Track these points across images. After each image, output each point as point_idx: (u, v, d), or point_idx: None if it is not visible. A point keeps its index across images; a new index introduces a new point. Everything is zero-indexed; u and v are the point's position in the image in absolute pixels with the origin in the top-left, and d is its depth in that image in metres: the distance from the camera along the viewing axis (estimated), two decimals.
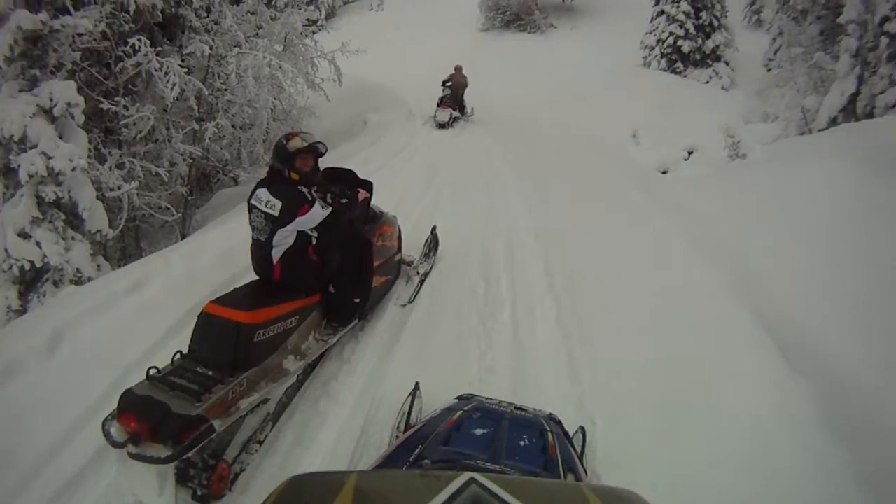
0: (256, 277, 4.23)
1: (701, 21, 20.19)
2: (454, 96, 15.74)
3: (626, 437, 3.57)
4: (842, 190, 5.73)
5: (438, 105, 15.40)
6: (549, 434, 2.69)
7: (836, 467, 3.30)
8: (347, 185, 4.84)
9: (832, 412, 3.70)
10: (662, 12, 20.60)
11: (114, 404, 3.05)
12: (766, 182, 7.01)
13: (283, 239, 3.98)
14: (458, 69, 16.40)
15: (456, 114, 15.49)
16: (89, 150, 7.53)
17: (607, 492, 1.46)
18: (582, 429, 3.49)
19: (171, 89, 8.51)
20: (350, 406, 4.00)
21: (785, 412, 3.72)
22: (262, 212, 3.97)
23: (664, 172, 12.57)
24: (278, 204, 3.90)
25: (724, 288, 5.30)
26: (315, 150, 4.14)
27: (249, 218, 4.09)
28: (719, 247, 6.16)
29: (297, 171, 4.04)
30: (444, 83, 16.03)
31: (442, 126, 14.92)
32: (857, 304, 4.55)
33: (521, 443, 2.57)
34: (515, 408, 3.11)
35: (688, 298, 5.17)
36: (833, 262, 5.11)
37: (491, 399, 3.25)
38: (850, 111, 12.04)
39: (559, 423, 3.06)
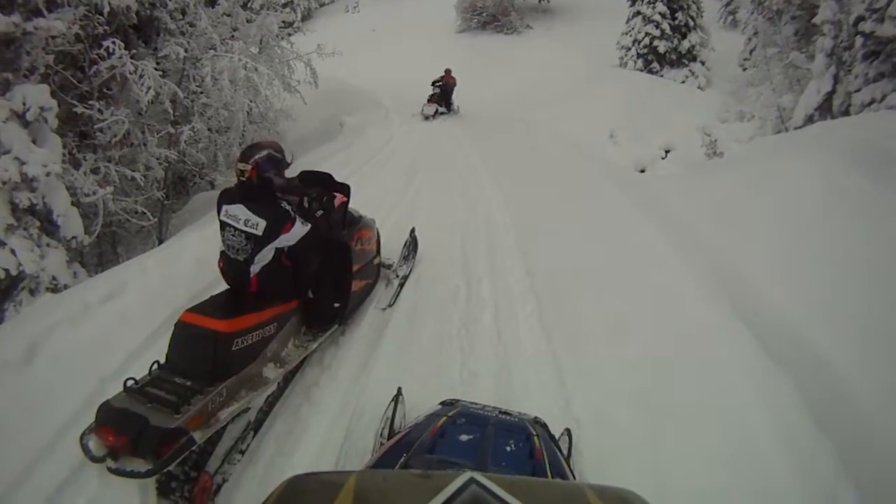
0: None
1: (677, 21, 20.44)
2: (443, 94, 17.64)
3: (613, 438, 3.58)
4: (823, 184, 5.78)
5: (428, 101, 17.22)
6: (536, 438, 2.65)
7: (820, 456, 3.38)
8: (324, 189, 4.75)
9: (814, 402, 3.79)
10: (638, 13, 20.86)
11: (91, 417, 3.00)
12: (745, 178, 7.08)
13: (263, 257, 3.84)
14: (448, 72, 18.08)
15: (442, 109, 17.31)
16: (63, 154, 7.41)
17: (607, 492, 1.45)
18: (568, 431, 3.47)
19: (146, 92, 8.44)
20: (332, 413, 3.95)
21: (767, 404, 3.80)
22: (242, 231, 3.78)
23: (642, 171, 12.67)
24: (262, 223, 3.74)
25: (704, 285, 5.37)
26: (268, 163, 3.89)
27: (222, 235, 3.91)
28: (700, 243, 6.23)
29: (274, 187, 3.94)
30: (434, 83, 17.83)
31: (427, 118, 16.54)
32: (841, 295, 4.59)
33: (508, 448, 2.53)
34: (500, 412, 3.09)
35: (669, 296, 5.22)
36: (816, 254, 5.16)
37: (475, 404, 3.22)
38: (825, 109, 12.22)
39: (545, 426, 3.04)
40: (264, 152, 3.84)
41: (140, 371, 3.40)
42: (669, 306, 5.06)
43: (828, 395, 3.85)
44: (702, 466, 3.31)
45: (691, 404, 3.84)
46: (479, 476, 1.32)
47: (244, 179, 3.80)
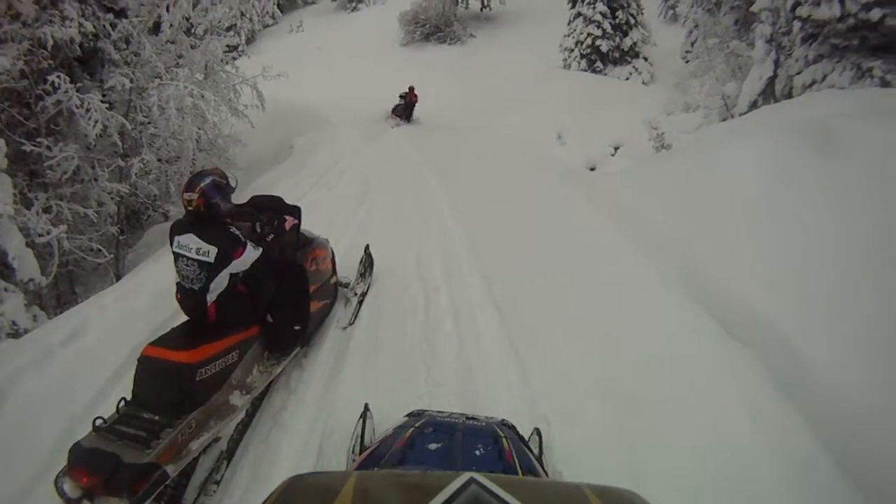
0: None
1: (617, 20, 20.70)
2: (406, 106, 19.56)
3: (583, 432, 3.63)
4: (771, 164, 5.83)
5: (392, 112, 19.42)
6: (504, 440, 2.68)
7: (792, 427, 3.49)
8: (275, 212, 4.73)
9: (780, 376, 3.89)
10: (579, 14, 21.08)
11: (64, 460, 3.00)
12: (694, 167, 7.08)
13: (218, 284, 3.83)
14: (412, 89, 19.70)
15: (402, 121, 19.21)
16: (14, 195, 7.27)
17: (607, 492, 1.46)
18: (537, 430, 3.50)
19: (94, 126, 8.31)
20: (303, 435, 3.96)
21: (733, 382, 3.90)
22: (194, 259, 3.78)
23: (592, 169, 12.74)
24: (213, 250, 3.75)
25: (661, 273, 5.47)
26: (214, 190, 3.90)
27: (176, 266, 3.91)
28: (654, 234, 6.27)
29: (222, 213, 3.95)
30: (400, 96, 19.66)
31: (392, 126, 18.58)
32: (796, 269, 4.64)
33: (477, 452, 2.55)
34: (467, 418, 3.10)
35: (627, 288, 5.31)
36: (770, 232, 5.18)
37: (441, 412, 3.23)
38: (769, 94, 12.38)
39: (512, 427, 3.06)
40: (209, 179, 3.87)
41: (109, 409, 3.40)
42: (628, 297, 5.16)
43: (793, 369, 3.90)
44: (676, 449, 3.39)
45: (657, 390, 3.92)
46: (478, 476, 1.34)
47: (191, 209, 3.82)
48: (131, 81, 9.31)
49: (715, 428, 3.58)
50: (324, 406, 4.21)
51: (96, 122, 8.36)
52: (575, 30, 21.19)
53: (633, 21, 20.98)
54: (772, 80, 12.40)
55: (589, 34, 20.61)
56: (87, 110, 8.36)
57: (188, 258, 3.80)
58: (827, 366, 3.78)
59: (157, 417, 3.27)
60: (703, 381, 3.98)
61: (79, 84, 8.76)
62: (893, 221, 4.45)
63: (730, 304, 4.74)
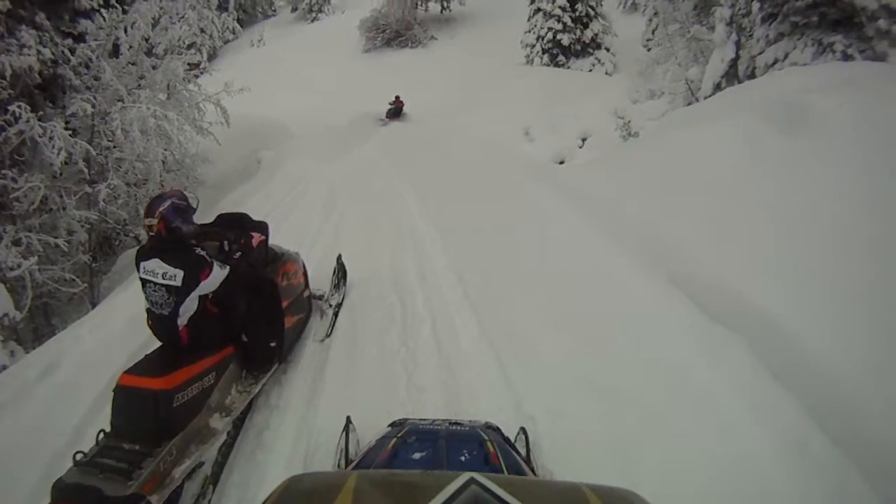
0: None
1: (577, 13, 20.88)
2: (396, 111, 21.65)
3: (570, 428, 3.62)
4: (739, 142, 5.88)
5: (385, 116, 21.46)
6: (489, 443, 2.65)
7: (783, 408, 3.48)
8: (241, 230, 4.67)
9: (766, 357, 3.88)
10: (539, 10, 21.25)
11: (48, 497, 2.94)
12: (663, 152, 7.19)
13: (188, 307, 3.79)
14: (398, 97, 22.04)
15: (390, 121, 21.22)
16: None
17: (607, 491, 1.47)
18: (523, 429, 3.49)
19: (58, 154, 8.28)
20: (287, 453, 3.92)
21: (718, 366, 3.88)
22: (161, 285, 3.74)
23: (561, 163, 12.79)
24: (179, 273, 3.71)
25: (638, 261, 5.44)
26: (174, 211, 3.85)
27: (144, 292, 3.85)
28: (628, 222, 6.28)
29: (185, 235, 3.89)
30: (390, 104, 21.84)
31: (385, 124, 20.71)
32: (772, 246, 4.68)
33: (462, 458, 2.52)
34: (450, 424, 3.07)
35: (604, 279, 5.29)
36: (743, 211, 5.22)
37: (424, 420, 3.21)
38: (732, 75, 12.53)
39: (497, 429, 3.05)
40: (167, 203, 3.81)
41: (90, 441, 3.35)
42: (607, 289, 5.14)
43: (779, 349, 3.93)
44: (666, 438, 3.38)
45: (642, 381, 3.91)
46: (478, 476, 1.34)
47: (153, 234, 3.79)
48: (93, 106, 9.26)
49: (702, 413, 3.58)
50: (306, 421, 4.16)
51: (60, 149, 8.32)
52: (535, 25, 21.34)
53: (592, 13, 21.17)
54: (734, 62, 12.56)
55: (549, 28, 20.77)
56: (51, 138, 8.32)
57: (155, 283, 3.76)
58: (812, 343, 3.81)
59: (137, 447, 3.23)
60: (687, 367, 3.97)
61: (40, 112, 8.72)
62: (866, 195, 4.50)
63: (709, 287, 4.76)
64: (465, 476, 1.34)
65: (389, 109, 22.26)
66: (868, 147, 4.85)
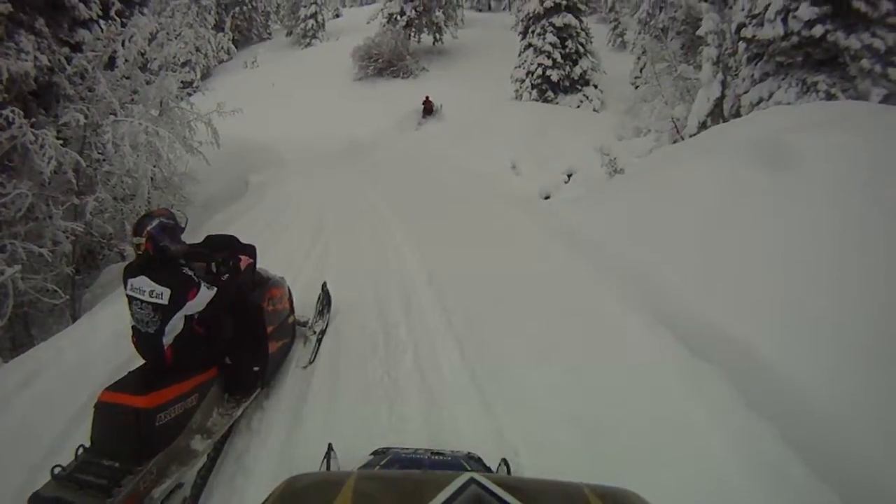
0: None
1: (567, 49, 21.08)
2: (428, 111, 24.44)
3: (552, 459, 3.63)
4: (723, 181, 5.98)
5: (422, 117, 24.22)
6: None
7: (761, 437, 3.60)
8: (230, 252, 4.67)
9: (746, 389, 4.02)
10: (530, 45, 21.45)
11: None
12: (648, 189, 7.29)
13: (174, 326, 3.79)
14: (427, 98, 24.81)
15: (425, 119, 24.14)
16: None
17: (607, 492, 1.48)
18: (504, 461, 3.43)
19: (48, 163, 8.24)
20: (268, 478, 3.82)
21: (698, 399, 4.01)
22: (148, 302, 3.73)
23: (547, 198, 12.84)
24: (166, 292, 3.71)
25: (622, 298, 5.59)
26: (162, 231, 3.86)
27: (130, 309, 3.84)
28: (613, 259, 6.38)
29: (173, 254, 3.89)
30: (423, 104, 24.54)
31: (420, 123, 23.80)
32: (755, 284, 4.74)
33: None
34: (432, 453, 3.09)
35: (588, 314, 5.42)
36: (726, 249, 5.30)
37: (406, 448, 3.22)
38: (717, 114, 12.69)
39: (479, 460, 3.06)
40: (155, 222, 3.82)
41: (68, 456, 3.33)
42: (590, 324, 5.24)
43: (758, 380, 4.01)
44: (647, 469, 3.39)
45: (625, 414, 3.98)
46: (478, 476, 1.35)
47: (141, 252, 3.80)
48: (86, 117, 9.24)
49: (683, 444, 3.65)
50: (287, 447, 4.14)
51: (51, 158, 8.29)
52: (526, 60, 21.54)
53: (582, 50, 21.40)
54: (720, 101, 12.73)
55: (540, 64, 20.94)
56: (42, 146, 8.30)
57: (142, 301, 3.75)
58: (794, 376, 3.87)
59: (117, 464, 3.22)
60: (669, 401, 4.08)
61: (33, 119, 8.69)
62: (846, 227, 4.61)
63: (692, 323, 4.85)
64: (466, 476, 1.35)
65: (423, 110, 24.68)
66: (849, 184, 4.96)
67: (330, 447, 3.65)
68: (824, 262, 4.48)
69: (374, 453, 3.15)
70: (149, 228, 3.79)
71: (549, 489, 1.58)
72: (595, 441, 3.78)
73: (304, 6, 39.14)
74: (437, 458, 2.99)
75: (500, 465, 3.41)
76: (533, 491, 1.46)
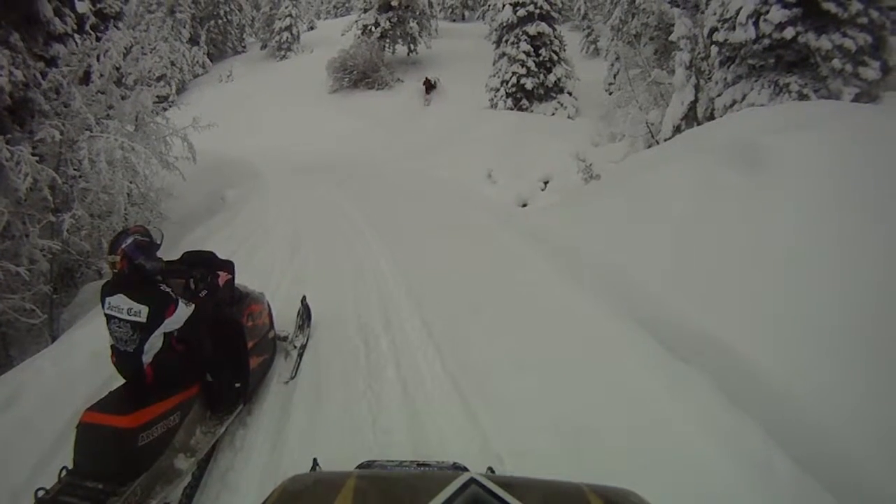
0: None
1: (541, 58, 21.11)
2: (430, 87, 25.95)
3: (537, 466, 3.62)
4: (698, 184, 6.07)
5: (426, 94, 25.83)
6: None
7: (744, 433, 3.69)
8: (208, 268, 4.66)
9: (727, 387, 4.11)
10: (504, 54, 21.45)
11: None
12: (623, 194, 7.34)
13: (153, 344, 3.76)
14: (427, 78, 26.33)
15: (432, 94, 25.72)
16: None
17: (607, 491, 1.50)
18: (490, 469, 3.49)
19: (24, 180, 8.13)
20: (252, 496, 3.81)
21: (680, 399, 4.09)
22: (126, 321, 3.70)
23: (524, 205, 12.82)
24: (144, 309, 3.68)
25: (601, 302, 5.65)
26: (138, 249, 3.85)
27: (109, 328, 3.81)
28: (590, 264, 6.43)
29: (148, 272, 3.87)
30: (423, 83, 26.22)
31: (427, 101, 25.55)
32: (733, 285, 4.83)
33: None
34: (418, 465, 3.13)
35: (567, 319, 5.48)
36: (702, 250, 5.38)
37: (392, 461, 3.24)
38: (691, 118, 12.80)
39: (465, 469, 2.89)
40: (129, 240, 3.82)
41: (52, 478, 3.32)
42: (570, 329, 5.29)
43: (738, 378, 4.09)
44: (632, 472, 3.34)
45: (609, 417, 4.03)
46: (478, 476, 1.36)
47: (116, 271, 3.79)
48: (61, 133, 9.15)
49: (667, 445, 3.71)
50: (271, 463, 4.14)
51: (26, 175, 8.19)
52: (500, 69, 21.55)
53: (556, 58, 21.46)
54: (693, 105, 12.82)
55: (514, 73, 20.96)
56: (17, 163, 8.19)
57: (120, 319, 3.73)
58: (773, 373, 3.97)
59: (100, 486, 3.21)
60: (651, 402, 4.14)
61: (8, 136, 8.57)
62: (819, 228, 4.71)
63: (672, 325, 4.92)
64: (465, 476, 1.36)
65: (425, 89, 25.90)
66: (822, 182, 5.06)
67: (315, 462, 3.63)
68: (801, 263, 4.56)
69: (360, 466, 3.15)
70: (123, 246, 3.79)
71: (549, 489, 1.60)
72: (579, 446, 3.83)
73: (279, 18, 39.00)
74: (422, 469, 3.01)
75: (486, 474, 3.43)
76: (532, 491, 1.48)
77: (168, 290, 3.90)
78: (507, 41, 21.58)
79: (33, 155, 8.54)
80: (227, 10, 41.36)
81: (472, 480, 1.34)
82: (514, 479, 1.82)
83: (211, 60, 16.81)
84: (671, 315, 5.02)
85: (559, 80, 21.21)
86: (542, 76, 21.13)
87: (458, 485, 1.31)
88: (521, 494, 1.31)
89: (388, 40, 30.88)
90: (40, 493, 3.13)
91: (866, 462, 3.25)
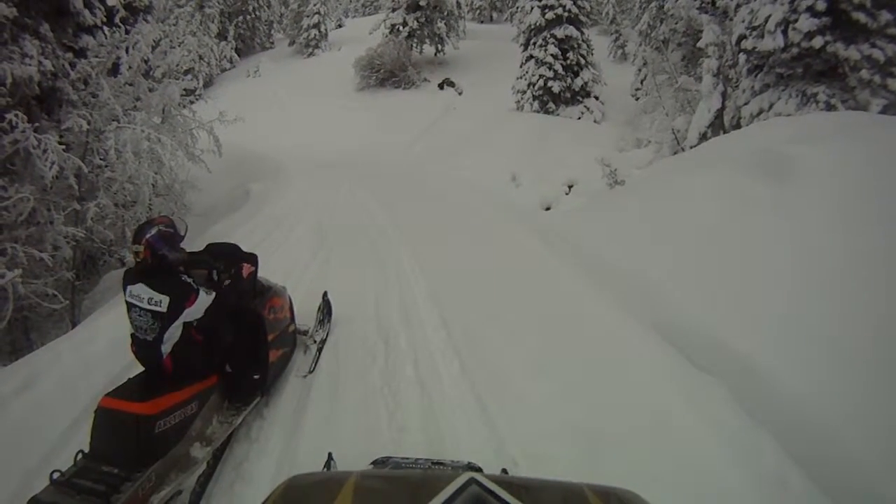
0: None
1: (568, 61, 20.97)
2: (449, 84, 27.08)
3: (551, 471, 3.39)
4: (724, 192, 5.98)
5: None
6: None
7: (760, 447, 3.63)
8: (231, 260, 4.68)
9: (745, 398, 4.05)
10: (531, 57, 21.32)
11: None
12: (648, 200, 7.30)
13: (172, 334, 3.78)
14: (447, 79, 26.91)
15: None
16: None
17: (607, 492, 1.49)
18: (504, 471, 3.42)
19: (50, 168, 8.21)
20: (266, 487, 3.70)
21: (697, 408, 4.04)
22: (147, 310, 3.72)
23: (547, 209, 12.78)
24: (165, 299, 3.69)
25: (621, 307, 5.59)
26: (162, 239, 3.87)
27: (129, 316, 3.82)
28: (612, 269, 6.38)
29: (171, 262, 3.89)
30: (446, 83, 26.85)
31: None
32: (756, 295, 4.74)
33: None
34: (433, 463, 3.10)
35: (588, 325, 5.41)
36: (726, 260, 5.30)
37: (407, 458, 3.23)
38: (718, 125, 12.67)
39: (479, 470, 2.99)
40: (154, 230, 3.84)
41: (66, 461, 3.35)
42: (591, 334, 5.24)
43: (758, 392, 4.02)
44: (647, 482, 3.14)
45: (625, 426, 3.98)
46: (479, 476, 1.34)
47: (139, 260, 3.81)
48: (88, 123, 9.22)
49: (684, 455, 3.66)
50: (287, 455, 4.13)
51: (53, 163, 8.26)
52: (527, 72, 21.44)
53: (583, 61, 21.33)
54: (720, 112, 12.70)
55: (541, 76, 20.84)
56: (45, 151, 8.27)
57: (140, 308, 3.74)
58: (791, 386, 3.89)
59: (116, 471, 3.22)
60: (669, 411, 4.08)
61: (36, 124, 8.64)
62: (845, 240, 4.60)
63: (692, 334, 4.85)
64: (466, 476, 1.34)
65: (443, 84, 26.79)
66: (849, 196, 4.95)
67: (330, 456, 3.65)
68: (825, 275, 4.46)
69: (375, 462, 3.16)
70: (147, 236, 3.80)
71: (550, 489, 1.59)
72: (594, 452, 3.78)
73: (308, 16, 39.09)
74: (436, 467, 3.01)
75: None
76: (533, 491, 1.47)
77: (189, 280, 3.91)
78: (534, 44, 21.46)
79: (60, 143, 8.63)
80: (256, 6, 41.49)
81: (473, 480, 1.32)
82: (514, 479, 1.79)
83: (239, 56, 16.91)
84: (691, 323, 4.96)
85: (586, 84, 21.06)
86: (569, 80, 20.99)
87: (458, 485, 1.30)
88: (521, 494, 1.31)
89: (415, 40, 30.84)
90: (55, 476, 3.15)
91: (886, 483, 3.16)
